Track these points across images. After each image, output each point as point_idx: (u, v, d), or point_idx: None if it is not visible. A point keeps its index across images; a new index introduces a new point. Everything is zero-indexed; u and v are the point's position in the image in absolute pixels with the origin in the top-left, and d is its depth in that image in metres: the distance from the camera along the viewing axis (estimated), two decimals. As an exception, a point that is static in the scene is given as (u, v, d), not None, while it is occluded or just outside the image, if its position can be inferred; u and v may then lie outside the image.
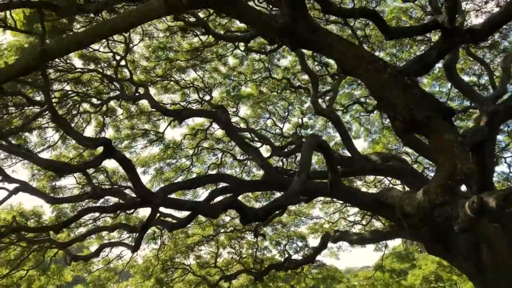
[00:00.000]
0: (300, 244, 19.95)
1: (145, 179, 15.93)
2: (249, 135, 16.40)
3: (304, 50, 13.32)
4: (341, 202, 19.07)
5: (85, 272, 16.50)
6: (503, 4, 11.54)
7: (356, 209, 19.56)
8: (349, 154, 11.49)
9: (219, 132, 16.70)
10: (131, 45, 12.30)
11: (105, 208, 6.73)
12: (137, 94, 11.88)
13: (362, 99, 17.08)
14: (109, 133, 13.74)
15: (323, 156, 8.50)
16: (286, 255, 19.71)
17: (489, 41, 14.15)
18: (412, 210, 3.56)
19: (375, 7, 14.39)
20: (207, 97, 14.57)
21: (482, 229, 8.29)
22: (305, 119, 17.52)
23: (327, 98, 16.59)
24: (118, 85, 11.95)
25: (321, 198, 18.61)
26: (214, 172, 16.18)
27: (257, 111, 17.06)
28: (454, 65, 9.70)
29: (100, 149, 6.54)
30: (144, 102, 14.44)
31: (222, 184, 15.13)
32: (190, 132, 15.75)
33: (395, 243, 38.58)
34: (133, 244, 11.68)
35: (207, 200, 10.53)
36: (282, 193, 17.29)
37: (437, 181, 3.81)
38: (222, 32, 13.33)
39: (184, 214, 16.36)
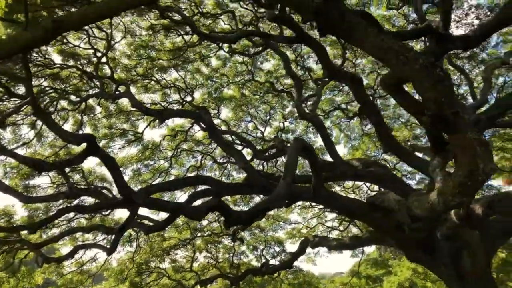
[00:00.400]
0: (277, 249, 19.85)
1: (122, 180, 15.57)
2: (230, 138, 16.29)
3: (288, 53, 13.30)
4: (320, 207, 19.10)
5: (56, 275, 15.96)
6: (483, 16, 11.77)
7: (334, 215, 19.59)
8: (330, 159, 11.48)
9: (199, 134, 16.50)
10: (112, 42, 11.99)
11: (85, 208, 6.45)
12: (117, 92, 11.57)
13: (343, 105, 17.14)
14: (86, 132, 13.35)
15: (307, 160, 8.39)
16: (263, 260, 19.65)
17: (468, 52, 14.38)
18: (422, 212, 3.43)
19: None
20: (188, 98, 14.34)
21: (464, 236, 8.34)
22: (286, 124, 17.50)
23: (309, 103, 16.63)
24: (98, 83, 11.62)
25: (300, 203, 18.57)
26: (193, 174, 15.93)
27: (238, 114, 16.92)
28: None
29: (80, 148, 6.31)
30: (123, 101, 14.15)
31: (200, 187, 15.01)
32: (169, 133, 15.46)
33: (369, 249, 38.97)
34: (108, 246, 11.39)
35: (187, 203, 10.35)
36: (263, 196, 17.21)
37: (455, 181, 3.61)
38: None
39: (162, 216, 16.15)
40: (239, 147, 16.89)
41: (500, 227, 8.70)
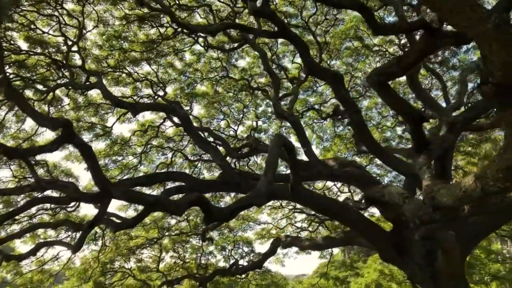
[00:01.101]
0: (246, 249, 19.63)
1: (87, 175, 15.02)
2: (202, 135, 15.96)
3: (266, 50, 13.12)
4: (289, 208, 19.02)
5: (14, 274, 15.19)
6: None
7: (303, 216, 19.54)
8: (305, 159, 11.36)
9: (170, 130, 16.10)
10: (84, 31, 11.47)
11: (58, 199, 6.02)
12: (88, 83, 11.07)
13: (317, 106, 17.10)
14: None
15: (287, 157, 8.21)
16: (232, 261, 19.38)
17: (439, 57, 14.59)
18: (450, 200, 3.22)
19: (336, 14, 14.45)
20: (160, 93, 13.92)
21: (440, 236, 8.34)
22: (259, 123, 17.31)
23: (283, 102, 16.52)
24: (67, 73, 11.08)
25: (270, 203, 18.42)
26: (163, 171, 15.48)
27: (211, 111, 16.60)
28: (416, 75, 9.80)
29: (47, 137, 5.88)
30: (93, 93, 13.62)
31: (170, 184, 14.63)
32: (140, 129, 14.99)
33: (334, 251, 39.03)
34: (74, 243, 10.87)
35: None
36: (238, 194, 16.95)
37: (500, 164, 3.26)
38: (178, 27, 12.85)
39: (129, 214, 15.65)
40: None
41: (474, 228, 8.76)
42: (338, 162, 11.60)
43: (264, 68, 11.43)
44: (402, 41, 14.59)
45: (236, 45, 12.76)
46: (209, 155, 17.09)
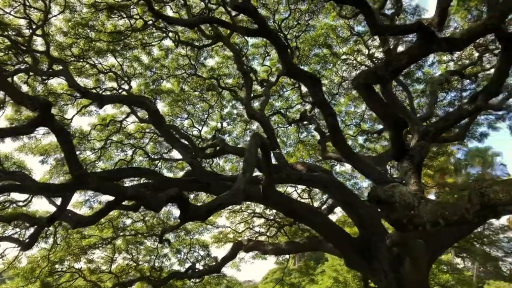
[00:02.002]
0: (202, 253, 19.22)
1: (42, 169, 14.21)
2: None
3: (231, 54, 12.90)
4: (248, 212, 18.84)
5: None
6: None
7: (262, 220, 19.41)
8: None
9: (131, 126, 15.55)
10: (49, 15, 10.83)
11: (26, 188, 5.48)
12: (50, 70, 10.43)
13: (283, 111, 17.04)
14: (8, 113, 11.89)
15: (262, 158, 8.02)
16: (187, 264, 18.94)
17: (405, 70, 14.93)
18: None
19: (308, 20, 14.48)
20: (125, 87, 13.39)
21: (410, 243, 8.39)
22: (224, 124, 17.06)
23: (256, 104, 16.37)
24: (29, 58, 10.40)
25: (230, 206, 18.15)
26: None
27: (175, 109, 16.19)
28: (390, 83, 9.89)
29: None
30: (53, 83, 12.91)
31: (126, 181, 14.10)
32: (101, 123, 14.36)
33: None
34: (24, 240, 10.18)
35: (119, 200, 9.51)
36: (207, 194, 16.53)
37: None
38: (149, 19, 12.44)
39: (84, 211, 14.92)
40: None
41: (442, 238, 8.88)
42: (306, 167, 11.54)
43: (237, 68, 11.22)
44: (371, 51, 14.88)
45: (209, 42, 12.46)
46: (170, 155, 16.89)
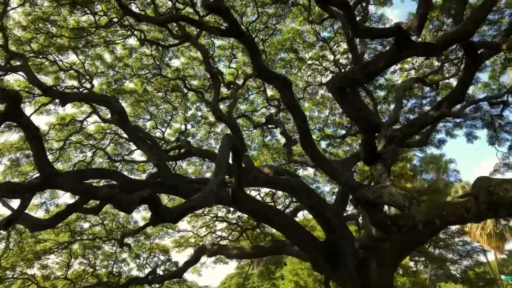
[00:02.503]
0: (162, 258, 18.81)
1: (-6, 170, 13.50)
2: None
3: (198, 54, 12.72)
4: (211, 216, 18.60)
5: None
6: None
7: (224, 224, 19.23)
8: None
9: (91, 127, 15.06)
10: (8, 7, 10.30)
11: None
12: (8, 65, 9.90)
13: (248, 114, 16.97)
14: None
15: (232, 160, 7.89)
16: (146, 269, 18.49)
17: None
18: None
19: (275, 24, 14.50)
20: (87, 85, 12.92)
21: (378, 247, 8.48)
22: (188, 126, 16.80)
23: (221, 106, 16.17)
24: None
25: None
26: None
27: (137, 110, 15.80)
28: (358, 87, 9.99)
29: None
30: (9, 79, 12.30)
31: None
32: (59, 122, 13.80)
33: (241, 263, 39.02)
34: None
35: (82, 201, 9.14)
36: (169, 197, 16.16)
37: None
38: (114, 16, 12.08)
39: (40, 214, 14.27)
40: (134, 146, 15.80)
41: (405, 240, 9.02)
42: (272, 170, 11.50)
43: (206, 69, 11.05)
44: (337, 57, 15.07)
45: (176, 41, 12.23)
46: (131, 157, 16.45)
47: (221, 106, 15.27)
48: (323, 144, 18.23)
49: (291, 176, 11.11)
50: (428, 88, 15.32)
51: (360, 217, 13.88)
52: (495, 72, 13.96)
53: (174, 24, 12.09)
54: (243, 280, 21.04)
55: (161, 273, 16.78)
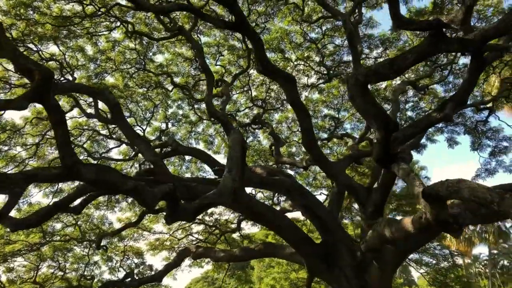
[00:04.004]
0: (136, 261, 18.14)
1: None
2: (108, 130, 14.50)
3: (184, 50, 12.31)
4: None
5: None
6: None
7: (201, 227, 18.75)
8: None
9: (69, 122, 14.30)
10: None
11: (11, 179, 4.49)
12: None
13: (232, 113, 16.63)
14: None
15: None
16: (118, 273, 17.81)
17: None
18: None
19: (264, 22, 14.27)
20: (69, 77, 12.25)
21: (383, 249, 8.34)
22: (169, 125, 16.28)
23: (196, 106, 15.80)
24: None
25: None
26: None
27: (117, 106, 15.14)
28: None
29: None
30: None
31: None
32: (35, 116, 13.02)
33: (208, 267, 38.31)
34: None
35: (70, 199, 8.57)
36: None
37: None
38: (101, 5, 11.52)
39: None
40: (112, 143, 15.21)
41: (410, 242, 8.90)
42: (266, 170, 11.22)
43: (199, 64, 10.69)
44: (324, 59, 14.98)
45: (168, 34, 11.77)
46: (108, 155, 15.76)
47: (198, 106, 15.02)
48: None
49: (286, 177, 10.84)
50: (411, 92, 15.50)
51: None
52: (480, 80, 14.21)
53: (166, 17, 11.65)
54: (221, 283, 20.45)
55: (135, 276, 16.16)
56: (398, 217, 14.94)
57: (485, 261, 33.48)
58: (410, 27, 5.42)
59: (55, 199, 14.58)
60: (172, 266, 13.60)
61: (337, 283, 9.65)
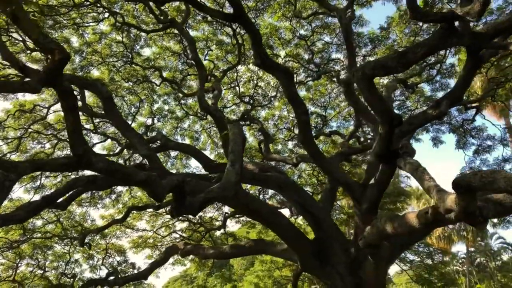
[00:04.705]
0: (118, 258, 17.75)
1: None
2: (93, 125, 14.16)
3: (172, 44, 12.11)
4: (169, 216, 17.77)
5: None
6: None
7: (185, 224, 18.50)
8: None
9: (51, 116, 13.89)
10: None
11: (19, 167, 4.22)
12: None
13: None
14: None
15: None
16: (99, 271, 17.41)
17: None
18: None
19: (254, 17, 14.12)
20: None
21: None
22: (154, 120, 15.99)
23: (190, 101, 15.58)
24: None
25: (150, 210, 17.04)
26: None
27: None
28: (352, 82, 9.86)
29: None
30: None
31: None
32: (18, 108, 12.58)
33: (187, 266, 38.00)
34: None
35: (59, 193, 8.28)
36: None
37: None
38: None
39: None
40: (96, 138, 14.86)
41: (399, 239, 8.91)
42: (258, 167, 11.10)
43: (192, 57, 10.49)
44: (313, 56, 14.92)
45: (159, 26, 11.52)
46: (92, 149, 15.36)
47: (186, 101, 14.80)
48: (290, 144, 18.02)
49: (279, 173, 10.75)
50: (398, 91, 15.60)
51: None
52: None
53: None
54: (203, 281, 20.23)
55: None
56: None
57: (463, 259, 34.18)
58: (425, 19, 5.36)
59: (37, 195, 14.17)
60: (158, 263, 13.37)
61: (330, 280, 9.61)
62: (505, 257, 35.86)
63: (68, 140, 13.47)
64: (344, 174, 9.25)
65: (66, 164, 4.13)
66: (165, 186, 4.53)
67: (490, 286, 33.91)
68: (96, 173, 8.61)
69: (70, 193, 9.08)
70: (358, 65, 10.57)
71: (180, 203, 5.08)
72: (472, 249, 35.49)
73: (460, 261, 33.39)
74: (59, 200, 10.47)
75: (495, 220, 14.31)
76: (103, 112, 11.13)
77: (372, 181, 8.93)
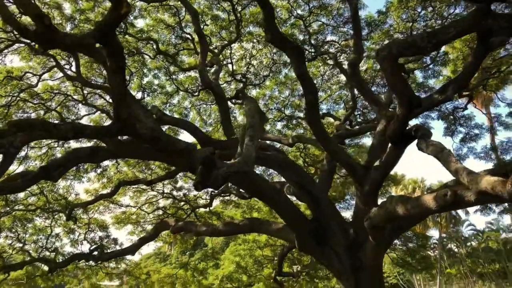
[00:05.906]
0: (100, 234, 17.47)
1: None
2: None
3: (166, 17, 11.79)
4: (159, 191, 17.57)
5: None
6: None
7: (169, 201, 18.31)
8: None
9: (39, 85, 13.36)
10: None
11: (61, 130, 3.95)
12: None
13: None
14: None
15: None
16: (80, 245, 17.16)
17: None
18: None
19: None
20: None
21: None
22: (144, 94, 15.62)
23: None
24: None
25: (135, 186, 16.78)
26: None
27: (90, 71, 14.29)
28: (358, 64, 9.81)
29: None
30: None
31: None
32: (6, 76, 12.06)
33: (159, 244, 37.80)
34: None
35: (58, 164, 7.99)
36: None
37: None
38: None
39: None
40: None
41: (404, 220, 8.98)
42: (258, 145, 10.96)
43: (195, 30, 10.21)
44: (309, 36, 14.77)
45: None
46: (80, 122, 14.92)
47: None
48: (279, 125, 17.93)
49: (278, 152, 10.66)
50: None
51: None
52: (458, 67, 14.52)
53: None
54: (187, 259, 20.15)
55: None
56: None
57: (435, 244, 35.19)
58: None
59: (21, 166, 13.73)
60: (147, 239, 13.20)
61: (328, 261, 9.67)
62: (474, 243, 37.22)
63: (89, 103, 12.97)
64: (347, 154, 9.24)
65: (109, 129, 3.92)
66: (198, 157, 4.38)
67: (459, 270, 35.12)
68: (99, 145, 8.38)
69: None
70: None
71: (207, 176, 4.94)
72: (444, 235, 36.60)
73: (432, 246, 34.35)
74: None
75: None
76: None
77: (377, 163, 8.95)
